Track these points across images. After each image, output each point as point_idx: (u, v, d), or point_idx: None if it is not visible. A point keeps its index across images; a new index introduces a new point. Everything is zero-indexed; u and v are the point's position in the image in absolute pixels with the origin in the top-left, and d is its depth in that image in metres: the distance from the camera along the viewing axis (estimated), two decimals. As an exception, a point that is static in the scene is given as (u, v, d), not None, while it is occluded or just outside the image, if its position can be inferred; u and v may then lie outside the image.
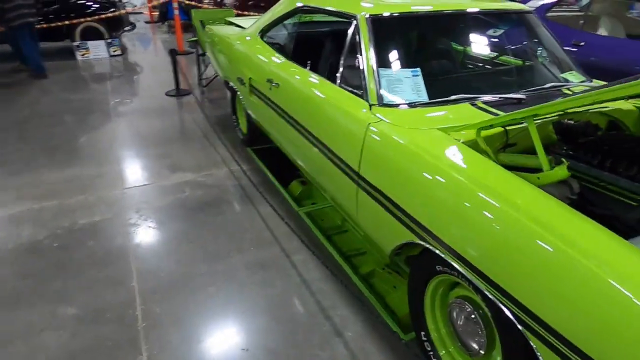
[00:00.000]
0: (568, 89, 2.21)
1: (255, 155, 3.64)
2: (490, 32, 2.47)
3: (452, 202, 1.44)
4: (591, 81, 2.37)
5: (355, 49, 2.15)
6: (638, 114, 2.10)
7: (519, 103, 2.00)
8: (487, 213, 1.32)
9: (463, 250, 1.40)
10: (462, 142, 1.66)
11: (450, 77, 2.23)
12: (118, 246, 2.54)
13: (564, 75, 2.41)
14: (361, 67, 2.07)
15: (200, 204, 3.01)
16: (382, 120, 1.86)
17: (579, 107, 1.24)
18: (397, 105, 1.94)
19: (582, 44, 4.33)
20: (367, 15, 2.16)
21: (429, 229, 1.53)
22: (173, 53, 5.27)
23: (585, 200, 1.56)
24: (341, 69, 2.24)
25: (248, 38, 3.39)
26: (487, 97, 1.99)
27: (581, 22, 4.54)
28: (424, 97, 1.97)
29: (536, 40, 2.56)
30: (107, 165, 3.59)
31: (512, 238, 1.24)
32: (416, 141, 1.67)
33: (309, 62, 2.61)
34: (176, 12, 7.91)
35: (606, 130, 2.06)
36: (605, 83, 2.02)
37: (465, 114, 1.88)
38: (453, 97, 1.95)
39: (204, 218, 2.84)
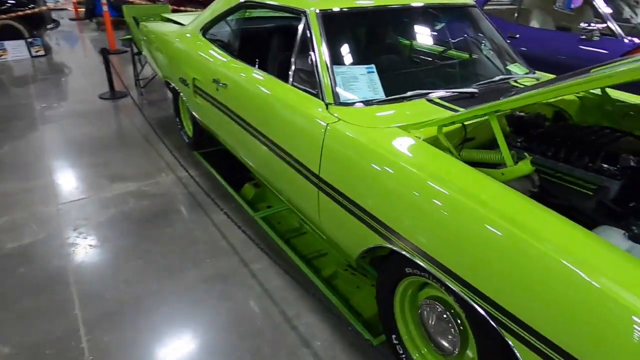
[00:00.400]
0: (515, 81, 2.26)
1: (204, 159, 3.45)
2: (438, 26, 2.48)
3: (418, 201, 1.40)
4: (534, 73, 2.44)
5: (306, 45, 2.06)
6: (579, 104, 2.18)
7: (472, 97, 2.01)
8: (454, 211, 1.29)
9: (433, 251, 1.36)
10: (423, 140, 1.63)
11: (404, 73, 2.21)
12: (55, 270, 2.29)
13: (509, 67, 2.46)
14: (314, 65, 1.98)
15: (147, 215, 2.79)
16: (340, 120, 1.78)
17: (542, 101, 1.24)
18: (354, 104, 1.87)
19: (517, 36, 4.53)
20: (317, 11, 2.08)
21: (396, 231, 1.48)
22: (104, 52, 4.89)
23: (545, 192, 1.58)
24: (293, 67, 2.14)
25: (189, 35, 3.19)
26: (442, 92, 1.98)
27: (515, 15, 4.75)
28: (380, 94, 1.93)
29: (481, 33, 2.60)
30: (36, 178, 3.24)
31: (482, 235, 1.21)
32: (377, 141, 1.62)
33: (257, 60, 2.49)
34: (105, 8, 7.38)
35: (553, 121, 2.13)
36: (555, 76, 2.08)
37: (422, 110, 1.86)
38: (409, 93, 1.92)
39: (151, 231, 2.63)
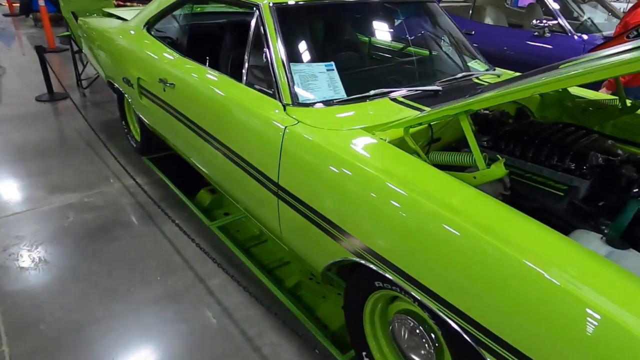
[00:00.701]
0: (477, 78, 2.21)
1: (153, 164, 3.21)
2: (397, 22, 2.39)
3: (384, 209, 1.28)
4: (494, 69, 2.40)
5: (260, 42, 1.90)
6: (540, 100, 2.16)
7: (435, 95, 1.92)
8: (422, 219, 1.19)
9: (402, 263, 1.26)
10: (389, 142, 1.52)
11: (365, 71, 2.09)
12: (-21, 299, 2.01)
13: (470, 64, 2.41)
14: (270, 63, 1.83)
15: (90, 230, 2.53)
16: (299, 122, 1.64)
17: (515, 98, 1.16)
18: (313, 104, 1.74)
19: (473, 32, 4.56)
20: (271, 4, 1.92)
21: (363, 242, 1.36)
22: (40, 51, 4.48)
23: (516, 194, 1.51)
24: (247, 65, 1.97)
25: (132, 32, 2.93)
26: (405, 91, 1.88)
27: (470, 12, 4.78)
28: (341, 93, 1.80)
29: (441, 29, 2.54)
30: (-41, 192, 2.88)
31: (454, 245, 1.12)
32: (340, 144, 1.49)
33: (208, 58, 2.29)
34: (41, 3, 6.83)
35: (516, 118, 2.08)
36: (520, 73, 2.04)
37: (386, 110, 1.75)
38: (372, 92, 1.80)
39: (95, 248, 2.38)
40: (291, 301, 1.98)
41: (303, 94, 1.76)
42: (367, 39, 2.70)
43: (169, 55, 2.52)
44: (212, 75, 2.17)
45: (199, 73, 2.24)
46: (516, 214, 1.14)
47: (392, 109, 1.75)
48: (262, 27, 1.91)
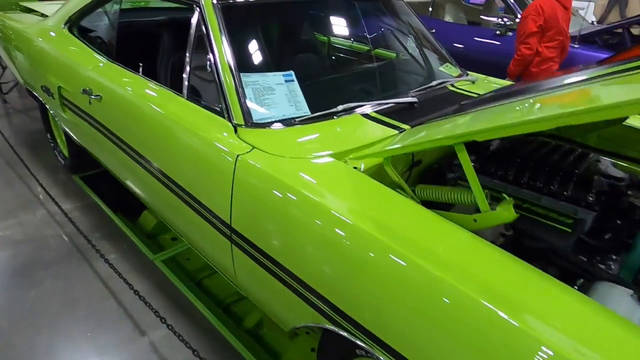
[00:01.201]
0: (453, 85, 1.98)
1: (86, 184, 2.76)
2: (361, 21, 2.11)
3: (365, 266, 1.01)
4: (467, 74, 2.19)
5: (203, 46, 1.56)
6: (519, 109, 1.96)
7: (411, 108, 1.67)
8: (417, 281, 0.93)
9: (389, 338, 0.99)
10: (364, 171, 1.25)
11: (328, 80, 1.80)
12: None
13: (441, 68, 2.18)
14: (215, 73, 1.50)
15: (3, 274, 2.09)
16: (254, 148, 1.33)
17: (531, 131, 0.92)
18: (271, 125, 1.43)
19: (433, 31, 4.38)
20: (215, 1, 1.59)
21: (339, 308, 1.09)
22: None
23: (515, 230, 1.28)
24: (188, 75, 1.63)
25: (52, 34, 2.47)
26: (377, 104, 1.61)
27: (430, 9, 4.61)
28: (304, 109, 1.50)
29: (409, 30, 2.30)
30: None
31: (455, 316, 0.87)
32: (308, 179, 1.20)
33: (142, 64, 1.91)
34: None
35: None
36: (510, 82, 1.82)
37: (358, 129, 1.48)
38: (340, 107, 1.52)
39: (10, 297, 1.95)
40: (251, 346, 1.68)
41: (258, 112, 1.44)
42: (325, 39, 2.42)
43: (95, 60, 2.11)
44: (146, 86, 1.80)
45: (131, 83, 1.87)
46: (527, 270, 0.90)
47: (365, 127, 1.48)
48: (204, 28, 1.57)
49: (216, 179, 1.37)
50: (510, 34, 3.87)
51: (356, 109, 1.55)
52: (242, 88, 1.46)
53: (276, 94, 1.50)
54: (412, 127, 1.49)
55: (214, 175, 1.38)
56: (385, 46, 2.24)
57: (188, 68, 1.63)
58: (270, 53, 1.69)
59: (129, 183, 2.06)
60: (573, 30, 3.72)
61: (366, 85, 1.85)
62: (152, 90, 1.77)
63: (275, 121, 1.44)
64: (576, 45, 3.55)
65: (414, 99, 1.68)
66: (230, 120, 1.43)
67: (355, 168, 1.26)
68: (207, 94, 1.57)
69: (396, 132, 1.45)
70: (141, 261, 2.19)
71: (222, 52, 1.51)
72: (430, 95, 1.82)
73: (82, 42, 2.29)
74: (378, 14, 2.27)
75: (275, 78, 1.54)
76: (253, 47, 1.65)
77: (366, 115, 1.54)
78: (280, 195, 1.19)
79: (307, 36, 2.20)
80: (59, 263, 2.17)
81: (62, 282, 2.05)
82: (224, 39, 1.53)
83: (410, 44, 2.24)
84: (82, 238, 2.31)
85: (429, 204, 1.15)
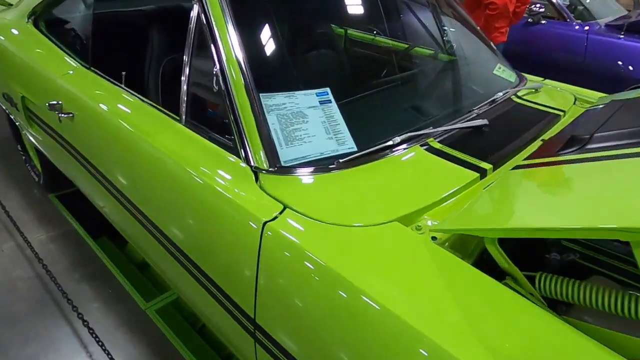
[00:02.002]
0: (518, 96, 1.57)
1: (63, 205, 2.32)
2: (410, 15, 1.69)
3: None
4: (525, 79, 1.76)
5: (207, 53, 1.14)
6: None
7: (480, 132, 1.27)
8: None
9: None
10: (448, 248, 0.85)
11: (372, 98, 1.36)
12: None
13: (495, 72, 1.77)
14: (226, 92, 1.08)
15: (-42, 333, 1.68)
16: (287, 208, 0.92)
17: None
18: (306, 168, 1.02)
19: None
20: (222, -11, 1.15)
21: None
22: None
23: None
24: (186, 92, 1.21)
25: (14, 31, 2.01)
26: (442, 131, 1.20)
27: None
28: (349, 143, 1.09)
29: (453, 22, 1.87)
30: None
31: None
32: (368, 262, 0.80)
33: (125, 73, 1.48)
34: None
35: None
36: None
37: (425, 170, 1.07)
38: (398, 138, 1.11)
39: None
40: None
41: (287, 150, 1.03)
42: (369, 38, 1.95)
43: (66, 65, 1.67)
44: (132, 104, 1.38)
45: (112, 99, 1.44)
46: None
47: (432, 168, 1.08)
48: (207, 27, 1.14)
49: (233, 253, 0.96)
50: (544, 22, 3.45)
51: (416, 140, 1.15)
52: (264, 115, 1.05)
53: (309, 122, 1.08)
54: (494, 165, 1.09)
55: (230, 248, 0.97)
56: (429, 44, 1.81)
57: (186, 81, 1.20)
58: (296, 63, 1.27)
59: (115, 224, 1.65)
60: (613, 18, 3.31)
61: (419, 102, 1.43)
62: (139, 110, 1.34)
63: (312, 162, 1.03)
64: (622, 36, 3.14)
65: (484, 121, 1.28)
66: (248, 163, 1.02)
67: (433, 239, 0.87)
68: (214, 119, 1.16)
69: (474, 174, 1.05)
70: (131, 310, 1.79)
71: (234, 61, 1.08)
72: (497, 112, 1.41)
73: (51, 40, 1.84)
74: (420, 6, 1.84)
75: (307, 99, 1.12)
76: (275, 54, 1.22)
77: (429, 149, 1.14)
78: (326, 288, 0.79)
79: (339, 38, 1.75)
80: (28, 319, 1.76)
81: (31, 346, 1.64)
82: (234, 42, 1.10)
83: (460, 41, 1.82)
84: (62, 275, 1.90)
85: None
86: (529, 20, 3.49)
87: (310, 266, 0.82)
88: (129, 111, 1.35)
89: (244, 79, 1.06)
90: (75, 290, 1.86)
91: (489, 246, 0.80)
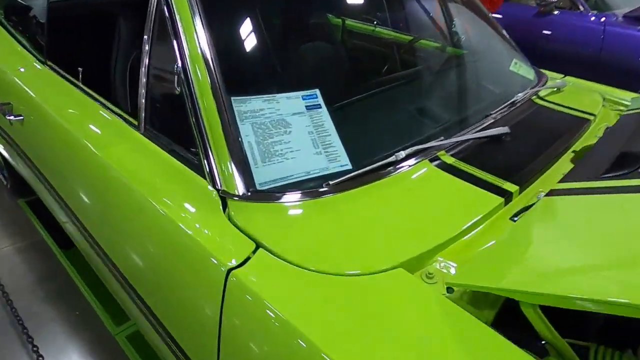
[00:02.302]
0: (539, 97, 1.36)
1: (33, 211, 2.12)
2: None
3: None
4: (545, 76, 1.55)
5: (168, 46, 0.92)
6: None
7: (500, 142, 1.06)
8: None
9: None
10: (461, 301, 0.65)
11: (368, 100, 1.12)
12: None
13: (512, 68, 1.55)
14: (187, 95, 0.87)
15: None
16: (260, 248, 0.71)
17: None
18: (288, 193, 0.81)
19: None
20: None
21: None
22: None
23: None
24: (145, 95, 0.99)
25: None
26: (449, 142, 0.99)
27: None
28: (342, 159, 0.88)
29: (459, 12, 1.65)
30: None
31: None
32: (364, 335, 0.60)
33: (82, 70, 1.26)
34: None
35: None
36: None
37: (436, 195, 0.86)
38: (402, 153, 0.90)
39: None
40: None
41: (264, 170, 0.82)
42: (367, 29, 1.72)
43: (19, 59, 1.45)
44: (85, 107, 1.16)
45: (67, 101, 1.22)
46: None
47: (446, 192, 0.87)
48: (168, 15, 0.93)
49: (192, 303, 0.76)
50: (556, 12, 3.22)
51: (424, 154, 0.94)
52: (236, 124, 0.84)
53: (293, 133, 0.87)
54: (520, 186, 0.88)
55: (189, 296, 0.76)
56: (435, 36, 1.59)
57: (145, 81, 0.99)
58: (278, 59, 1.05)
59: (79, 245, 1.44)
60: (631, 8, 3.08)
61: (426, 106, 1.20)
62: (94, 114, 1.13)
63: (295, 185, 0.82)
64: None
65: (505, 129, 1.07)
66: (215, 186, 0.81)
67: (449, 291, 0.66)
68: (176, 129, 0.94)
69: (497, 198, 0.84)
70: (99, 335, 1.59)
71: (198, 56, 0.87)
72: (518, 116, 1.20)
73: (7, 30, 1.62)
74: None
75: (291, 103, 0.90)
76: (252, 48, 1.00)
77: (441, 165, 0.93)
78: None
79: (327, 28, 1.51)
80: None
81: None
82: (200, 32, 0.88)
83: (471, 32, 1.60)
84: (22, 297, 1.70)
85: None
86: (540, 10, 3.26)
87: (289, 339, 0.61)
88: (82, 115, 1.14)
89: (210, 79, 0.85)
90: (37, 313, 1.66)
91: (526, 309, 0.60)
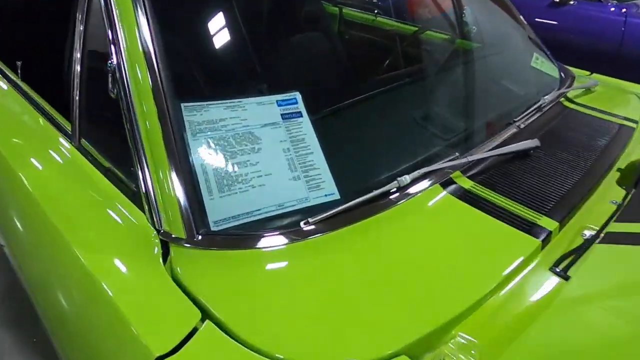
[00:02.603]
0: (567, 98, 1.15)
1: None
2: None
3: None
4: (572, 73, 1.33)
5: (102, 36, 0.70)
6: None
7: (528, 159, 0.84)
8: None
9: None
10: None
11: (361, 106, 0.87)
12: None
13: (533, 64, 1.33)
14: (123, 100, 0.65)
15: None
16: (210, 322, 0.50)
17: None
18: (253, 236, 0.59)
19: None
20: None
21: None
22: None
23: None
24: (77, 99, 0.78)
25: None
26: (465, 159, 0.77)
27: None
28: (328, 186, 0.66)
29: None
30: None
31: None
32: None
33: (20, 63, 1.04)
34: None
35: None
36: None
37: (453, 235, 0.65)
38: (407, 177, 0.68)
39: None
40: None
41: (222, 202, 0.61)
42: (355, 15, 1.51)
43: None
44: (18, 107, 0.95)
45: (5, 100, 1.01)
46: None
47: (466, 229, 0.66)
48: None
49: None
50: (573, 2, 2.98)
51: (435, 177, 0.72)
52: (185, 139, 0.62)
53: (264, 150, 0.66)
54: (561, 222, 0.67)
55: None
56: (443, 26, 1.37)
57: (77, 81, 0.77)
58: (246, 53, 0.82)
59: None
60: None
61: (436, 110, 0.98)
62: (28, 118, 0.92)
63: (262, 223, 0.61)
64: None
65: (534, 142, 0.86)
66: (153, 224, 0.60)
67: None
68: (113, 142, 0.73)
69: (533, 240, 0.63)
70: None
71: (136, 49, 0.65)
72: (547, 125, 0.99)
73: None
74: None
75: (262, 110, 0.69)
76: (212, 38, 0.78)
77: (456, 191, 0.71)
78: None
79: (314, 11, 1.27)
80: None
81: None
82: (140, 17, 0.67)
83: (486, 21, 1.38)
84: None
85: None
86: (556, 0, 3.02)
87: None
88: (11, 118, 0.92)
89: (152, 79, 0.63)
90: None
91: None
